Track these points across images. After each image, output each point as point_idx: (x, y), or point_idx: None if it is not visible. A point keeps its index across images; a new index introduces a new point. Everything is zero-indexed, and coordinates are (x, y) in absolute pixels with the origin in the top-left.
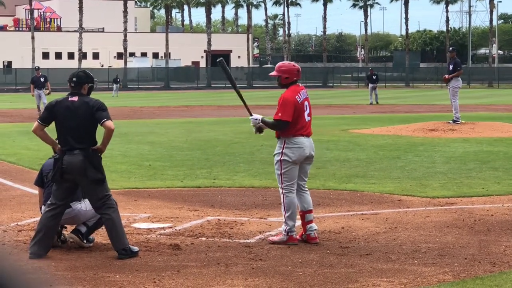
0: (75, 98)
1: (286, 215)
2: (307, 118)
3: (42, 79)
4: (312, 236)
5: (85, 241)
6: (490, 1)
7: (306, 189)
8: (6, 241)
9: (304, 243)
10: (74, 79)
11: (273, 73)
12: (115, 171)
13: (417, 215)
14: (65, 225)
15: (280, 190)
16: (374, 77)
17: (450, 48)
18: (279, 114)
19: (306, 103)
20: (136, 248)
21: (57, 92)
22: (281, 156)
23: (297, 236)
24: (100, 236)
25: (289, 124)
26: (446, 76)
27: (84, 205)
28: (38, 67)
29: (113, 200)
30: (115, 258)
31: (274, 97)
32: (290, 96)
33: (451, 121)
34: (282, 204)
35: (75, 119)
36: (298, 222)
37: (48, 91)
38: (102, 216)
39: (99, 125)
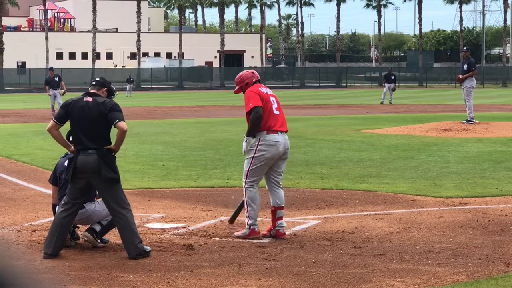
0: (90, 99)
1: (248, 208)
2: (275, 112)
3: (56, 79)
4: (281, 232)
5: (99, 240)
6: (504, 0)
7: (281, 186)
8: (20, 241)
9: (317, 244)
10: (97, 79)
11: (236, 89)
12: (128, 171)
13: (431, 215)
14: (78, 225)
15: (243, 185)
16: (392, 77)
17: (464, 48)
18: (250, 104)
19: (273, 98)
20: (148, 248)
21: (71, 92)
22: (255, 153)
23: (264, 232)
24: (114, 236)
25: (262, 110)
26: (460, 76)
27: (97, 205)
28: (52, 67)
29: (126, 200)
30: (128, 258)
31: (287, 97)
32: (251, 89)
33: (465, 121)
34: (244, 198)
35: (89, 119)
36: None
37: (63, 90)
38: (116, 216)
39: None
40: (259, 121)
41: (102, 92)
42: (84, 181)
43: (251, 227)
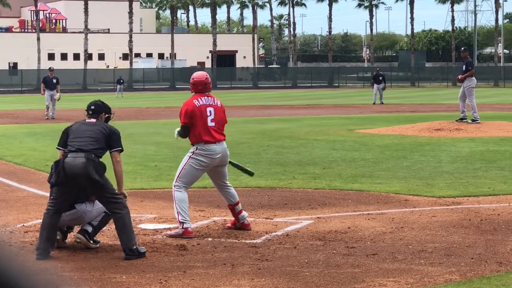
0: (93, 120)
1: (178, 209)
2: (210, 124)
3: (54, 81)
4: (246, 223)
5: (91, 242)
6: (496, 0)
7: (229, 185)
8: (12, 242)
9: (310, 244)
10: (92, 107)
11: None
12: None
13: (424, 214)
14: (71, 226)
15: (174, 183)
16: (380, 77)
17: (462, 49)
18: (181, 121)
19: (210, 109)
20: (143, 249)
21: (63, 93)
22: (192, 155)
23: (228, 224)
24: (107, 237)
25: (188, 127)
26: (459, 76)
27: (88, 205)
28: (52, 68)
29: (120, 198)
30: (121, 259)
31: (279, 97)
32: (185, 103)
33: (470, 121)
34: (173, 198)
35: (89, 131)
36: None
37: (58, 95)
38: (113, 213)
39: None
40: (184, 134)
41: (101, 118)
42: (72, 183)
43: (184, 226)
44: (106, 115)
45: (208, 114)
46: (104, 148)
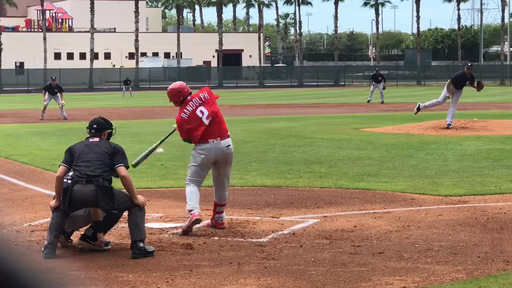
0: (96, 139)
1: (187, 199)
2: (206, 122)
3: (56, 90)
4: (219, 222)
5: (96, 243)
6: None
7: (225, 187)
8: (19, 241)
9: (316, 243)
10: (95, 126)
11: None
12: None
13: (430, 213)
14: (71, 230)
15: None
16: (379, 77)
17: (469, 65)
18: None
19: (200, 109)
20: (151, 248)
21: (69, 92)
22: (192, 153)
23: (208, 221)
24: (113, 236)
25: (188, 139)
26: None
27: (80, 211)
28: (55, 77)
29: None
30: (128, 258)
31: (285, 96)
32: (177, 118)
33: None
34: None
35: (94, 153)
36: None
37: (62, 102)
38: (130, 211)
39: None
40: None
41: (104, 135)
42: (81, 206)
43: (191, 212)
44: (109, 131)
45: (200, 115)
46: (111, 168)
